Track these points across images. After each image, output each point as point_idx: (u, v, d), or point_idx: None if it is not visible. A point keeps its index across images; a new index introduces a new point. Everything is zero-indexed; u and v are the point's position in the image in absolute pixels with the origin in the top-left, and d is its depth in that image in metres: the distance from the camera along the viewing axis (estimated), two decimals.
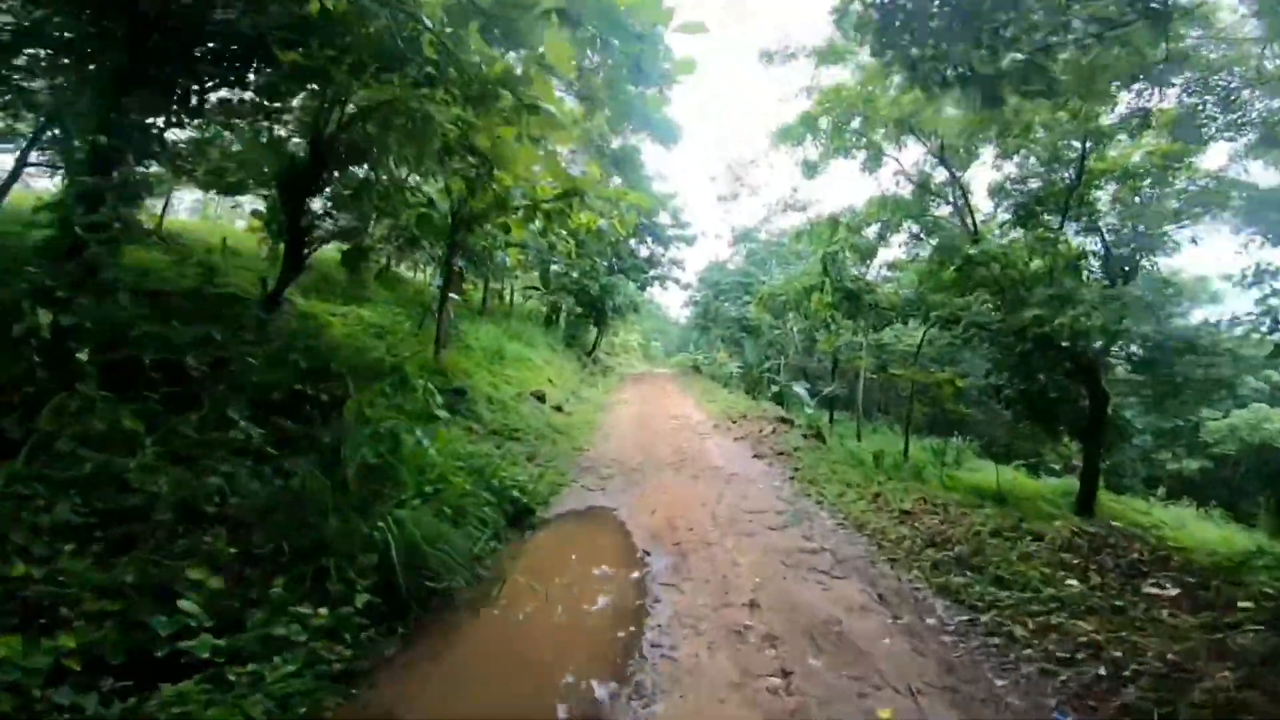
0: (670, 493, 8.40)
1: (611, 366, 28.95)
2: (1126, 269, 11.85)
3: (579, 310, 26.00)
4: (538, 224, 11.74)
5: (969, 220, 11.46)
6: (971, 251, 9.24)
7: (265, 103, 9.92)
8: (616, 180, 19.23)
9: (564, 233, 12.84)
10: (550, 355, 20.43)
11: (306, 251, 10.68)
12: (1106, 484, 14.77)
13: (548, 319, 26.81)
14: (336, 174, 10.70)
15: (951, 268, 9.48)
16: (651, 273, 29.29)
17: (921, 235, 14.27)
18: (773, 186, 23.60)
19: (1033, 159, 12.55)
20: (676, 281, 30.28)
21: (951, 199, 13.53)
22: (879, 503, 7.99)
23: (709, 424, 14.02)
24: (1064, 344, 9.68)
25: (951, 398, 15.47)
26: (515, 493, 7.25)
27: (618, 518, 7.41)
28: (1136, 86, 10.50)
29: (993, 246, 9.49)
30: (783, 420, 13.24)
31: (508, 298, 26.54)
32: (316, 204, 10.88)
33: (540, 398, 13.56)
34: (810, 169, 14.78)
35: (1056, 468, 19.26)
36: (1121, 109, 11.08)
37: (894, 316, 12.55)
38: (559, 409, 13.62)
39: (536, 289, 26.13)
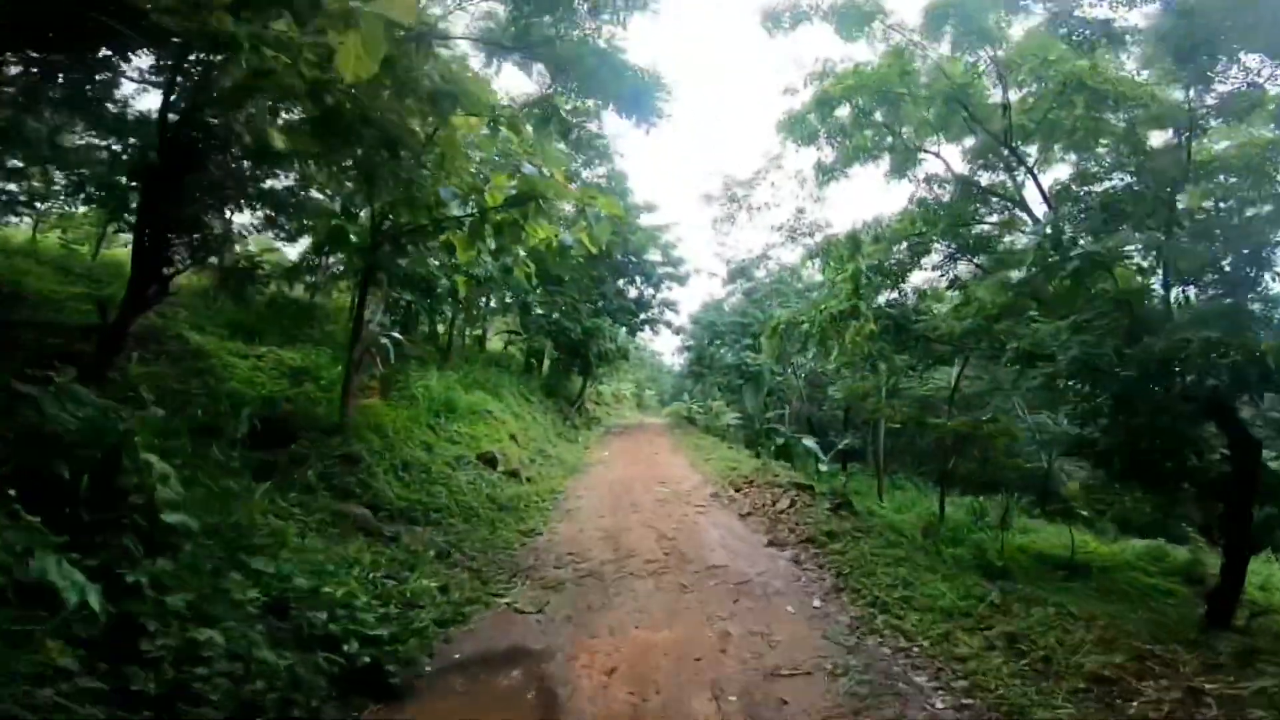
0: (645, 625, 5.12)
1: (599, 418, 25.72)
2: (1244, 284, 8.84)
3: (556, 356, 22.97)
4: (490, 243, 8.80)
5: (1041, 221, 8.47)
6: (1092, 248, 6.21)
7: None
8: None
9: (520, 253, 9.96)
10: (522, 407, 17.23)
11: (169, 271, 7.71)
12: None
13: (527, 366, 23.74)
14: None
15: (1060, 277, 6.42)
16: (642, 315, 26.35)
17: (959, 255, 11.31)
18: (774, 210, 20.73)
19: (1104, 152, 9.73)
20: (669, 325, 27.33)
21: (1015, 197, 10.58)
22: (1030, 658, 4.60)
23: (705, 491, 10.74)
24: (1190, 378, 6.61)
25: (1004, 450, 12.23)
26: (353, 643, 3.99)
27: (547, 683, 4.14)
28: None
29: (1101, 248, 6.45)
30: (799, 487, 9.97)
31: (487, 342, 23.51)
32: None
33: (490, 461, 10.33)
34: (826, 174, 11.94)
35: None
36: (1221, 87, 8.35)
37: (948, 351, 9.45)
38: (514, 474, 10.37)
39: (516, 333, 23.14)
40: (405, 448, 8.98)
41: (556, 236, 8.46)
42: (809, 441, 16.91)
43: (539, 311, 21.40)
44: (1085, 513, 15.77)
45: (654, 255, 26.15)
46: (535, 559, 6.94)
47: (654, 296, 26.60)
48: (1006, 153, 9.18)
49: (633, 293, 25.87)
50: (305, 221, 10.91)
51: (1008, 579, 9.08)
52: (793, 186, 20.44)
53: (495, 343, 24.33)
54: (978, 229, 10.99)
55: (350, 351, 9.27)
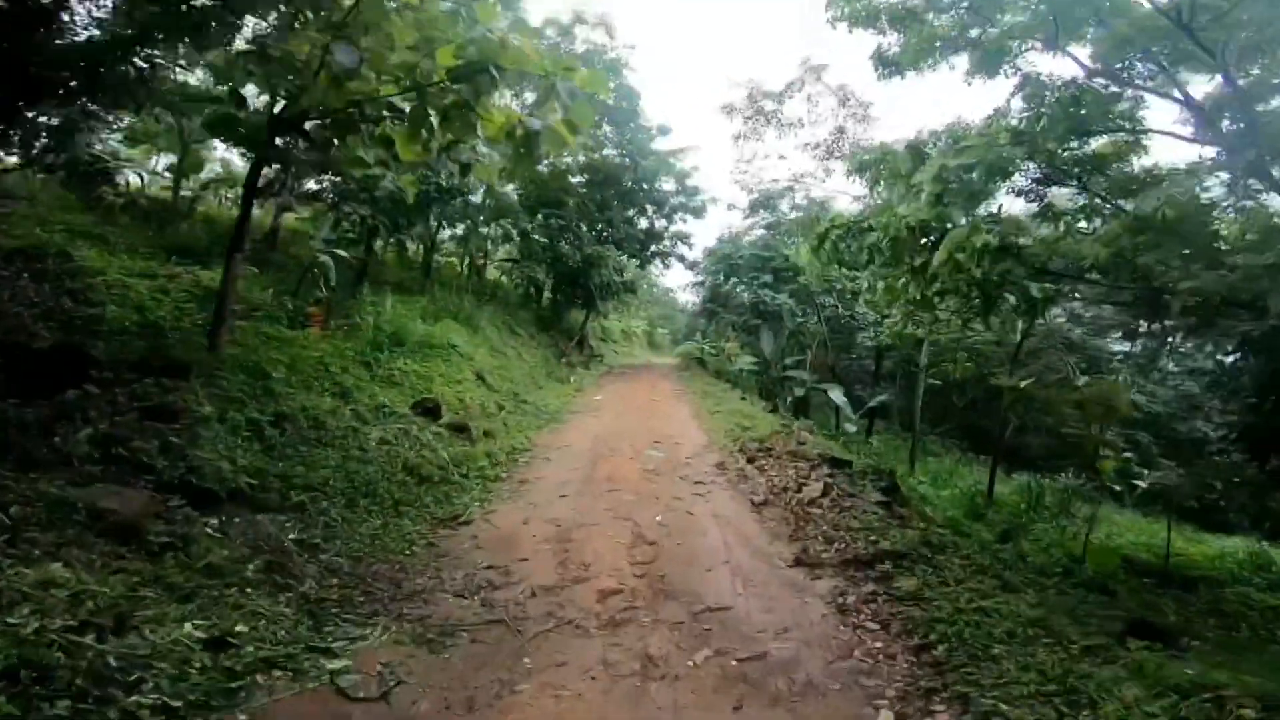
0: None
1: (602, 356, 23.07)
2: None
3: (549, 284, 20.21)
4: (440, 137, 6.01)
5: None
6: None
7: None
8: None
9: (481, 147, 7.12)
10: (507, 342, 14.58)
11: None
12: None
13: (525, 297, 20.97)
14: None
15: None
16: (652, 247, 23.24)
17: (1055, 179, 8.23)
18: (809, 129, 17.13)
19: None
20: (681, 259, 24.21)
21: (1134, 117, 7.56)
22: None
23: (709, 459, 8.10)
24: None
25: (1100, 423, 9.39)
26: None
27: None
28: None
29: None
30: (834, 463, 7.27)
31: (485, 272, 20.64)
32: None
33: (430, 411, 7.72)
34: (886, 68, 8.89)
35: None
36: None
37: (1055, 291, 6.47)
38: (462, 430, 7.77)
39: (513, 260, 20.28)
40: (300, 394, 6.37)
41: (520, 122, 5.60)
42: (836, 394, 14.14)
43: (536, 237, 18.49)
44: (1118, 487, 12.99)
45: (667, 184, 22.82)
46: (433, 576, 4.38)
47: (666, 228, 23.42)
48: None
49: (643, 223, 22.69)
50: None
51: (1107, 594, 6.47)
52: (832, 104, 16.88)
53: (496, 274, 21.49)
54: (1090, 147, 7.89)
55: (227, 265, 6.57)
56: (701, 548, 5.20)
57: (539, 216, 18.12)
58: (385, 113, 6.40)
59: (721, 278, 22.60)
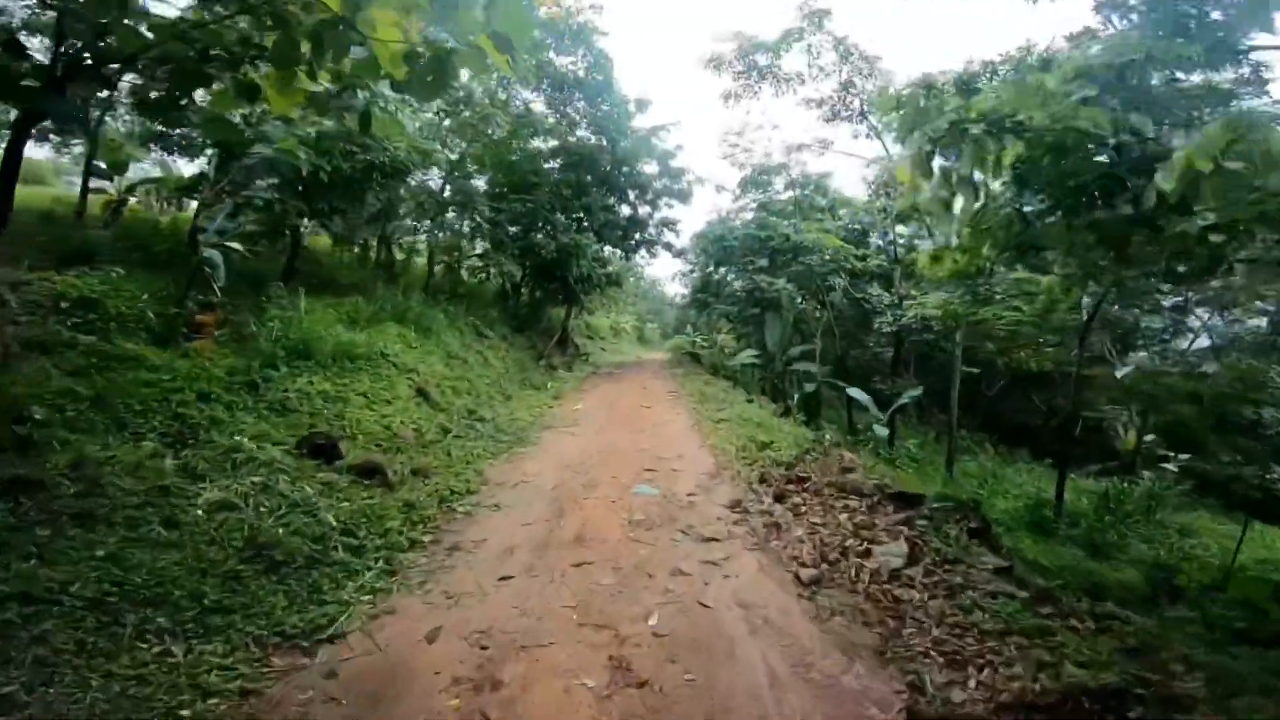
0: None
1: (588, 355, 20.73)
2: None
3: (527, 281, 17.90)
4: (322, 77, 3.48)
5: None
6: None
7: None
8: None
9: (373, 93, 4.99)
10: (470, 346, 12.21)
11: None
12: None
13: (500, 295, 18.54)
14: None
15: None
16: (636, 236, 20.86)
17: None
18: (810, 85, 14.61)
19: None
20: (668, 247, 21.80)
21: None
22: None
23: (721, 496, 5.77)
24: None
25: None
26: None
27: None
28: None
29: None
30: (901, 499, 4.96)
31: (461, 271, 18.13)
32: None
33: (322, 451, 5.35)
34: None
35: None
36: None
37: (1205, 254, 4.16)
38: (371, 473, 5.40)
39: (483, 257, 17.89)
40: (99, 440, 4.04)
41: (420, 34, 3.23)
42: (856, 392, 11.85)
43: (513, 230, 16.08)
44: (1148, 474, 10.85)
45: (649, 167, 20.41)
46: None
47: (650, 215, 21.03)
48: None
49: (624, 210, 20.30)
50: None
51: None
52: (833, 58, 14.47)
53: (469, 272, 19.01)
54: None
55: None
56: (727, 688, 2.90)
57: (507, 204, 15.74)
58: (239, 50, 4.20)
59: (712, 265, 20.28)
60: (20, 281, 5.74)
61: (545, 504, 5.54)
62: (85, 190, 9.65)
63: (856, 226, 17.74)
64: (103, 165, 9.44)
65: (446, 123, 14.56)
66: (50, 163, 16.43)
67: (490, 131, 14.12)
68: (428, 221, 15.51)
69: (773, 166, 19.44)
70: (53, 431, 3.96)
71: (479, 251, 18.08)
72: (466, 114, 13.96)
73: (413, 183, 12.93)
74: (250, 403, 5.71)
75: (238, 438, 4.93)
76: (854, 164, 19.87)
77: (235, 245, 7.71)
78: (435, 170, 14.27)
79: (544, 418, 9.98)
